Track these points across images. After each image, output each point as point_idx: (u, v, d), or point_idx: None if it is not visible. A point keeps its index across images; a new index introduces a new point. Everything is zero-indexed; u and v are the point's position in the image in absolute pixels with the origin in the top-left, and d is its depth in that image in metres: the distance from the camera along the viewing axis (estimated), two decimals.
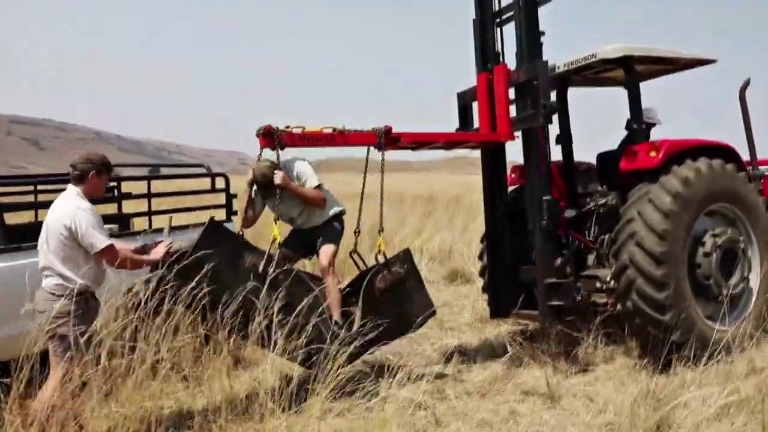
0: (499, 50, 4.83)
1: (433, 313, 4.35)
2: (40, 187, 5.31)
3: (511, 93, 4.68)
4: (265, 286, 3.53)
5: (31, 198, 5.28)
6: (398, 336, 4.17)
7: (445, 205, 14.04)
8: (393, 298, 4.10)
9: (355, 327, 3.84)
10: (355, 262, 4.22)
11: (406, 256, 4.28)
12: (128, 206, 5.21)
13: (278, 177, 3.84)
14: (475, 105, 4.90)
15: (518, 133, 4.59)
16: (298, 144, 3.85)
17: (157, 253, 3.40)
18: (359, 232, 4.17)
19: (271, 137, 3.72)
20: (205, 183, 5.39)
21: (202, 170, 5.56)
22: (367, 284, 4.05)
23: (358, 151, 4.17)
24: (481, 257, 5.55)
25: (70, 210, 3.10)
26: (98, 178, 3.25)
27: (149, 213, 4.87)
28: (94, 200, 3.36)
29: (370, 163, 4.08)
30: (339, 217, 4.21)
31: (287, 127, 3.79)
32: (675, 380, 3.75)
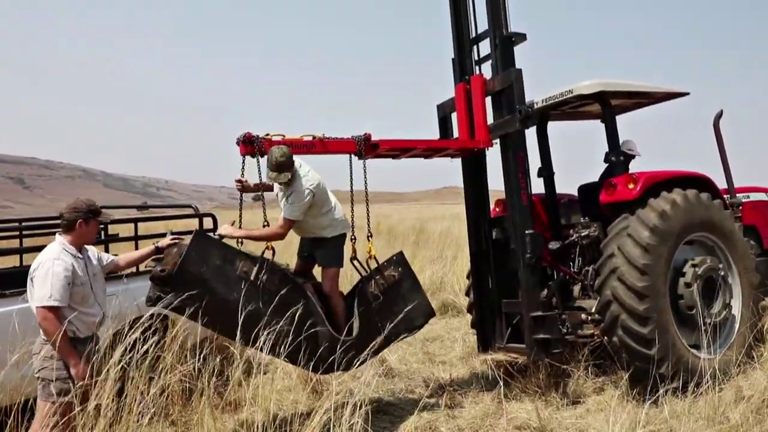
0: (476, 60, 4.94)
1: (432, 313, 4.38)
2: (25, 232, 5.26)
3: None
4: (259, 293, 3.55)
5: (16, 242, 5.23)
6: (398, 339, 4.18)
7: (437, 236, 14.06)
8: (389, 302, 4.12)
9: (355, 334, 3.90)
10: (356, 269, 4.23)
11: (399, 258, 4.29)
12: (115, 249, 5.18)
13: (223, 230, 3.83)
14: (454, 116, 4.99)
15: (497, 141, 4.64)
16: None
17: (80, 371, 3.04)
18: (355, 239, 4.18)
19: (251, 144, 3.77)
20: (193, 223, 5.40)
21: (190, 210, 5.57)
22: (361, 291, 4.09)
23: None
24: (468, 293, 5.57)
25: (43, 259, 3.08)
26: (86, 225, 3.22)
27: None
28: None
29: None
30: (342, 238, 4.21)
31: (267, 134, 3.84)
32: (665, 410, 3.76)
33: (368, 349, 3.83)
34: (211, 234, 4.00)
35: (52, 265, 3.03)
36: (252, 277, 3.60)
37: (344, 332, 3.98)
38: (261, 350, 3.53)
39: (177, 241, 3.58)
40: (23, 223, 5.38)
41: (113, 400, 3.02)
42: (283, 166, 3.76)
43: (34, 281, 3.06)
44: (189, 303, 3.35)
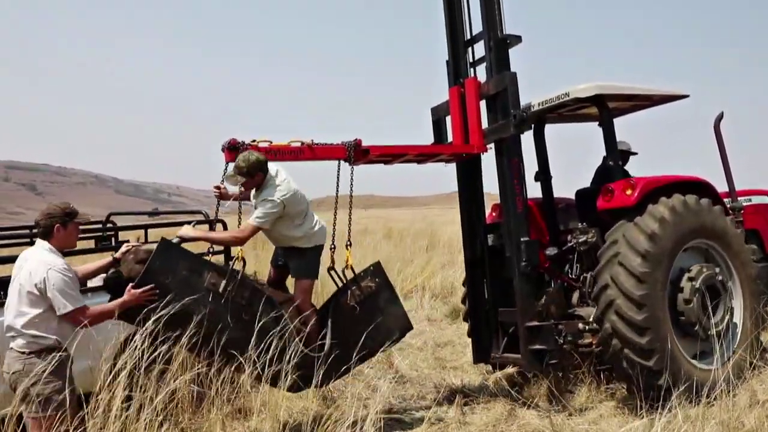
0: (470, 62, 4.83)
1: (409, 327, 4.16)
2: (36, 239, 5.28)
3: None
4: (228, 307, 3.40)
5: (26, 248, 5.24)
6: (373, 354, 4.00)
7: (448, 240, 13.98)
8: (365, 314, 3.92)
9: (326, 348, 3.75)
10: (332, 278, 4.10)
11: (376, 269, 4.11)
12: None
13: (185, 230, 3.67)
14: (448, 120, 4.88)
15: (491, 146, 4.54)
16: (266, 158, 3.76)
17: (132, 295, 3.19)
18: (335, 248, 4.05)
19: (236, 151, 3.66)
20: (203, 229, 5.39)
21: (201, 216, 5.58)
22: (336, 302, 3.97)
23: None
24: (464, 301, 5.40)
25: (41, 269, 2.96)
26: (65, 229, 3.12)
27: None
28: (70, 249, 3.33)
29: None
30: (319, 250, 4.06)
31: (253, 141, 3.73)
32: (678, 415, 3.70)
33: (341, 365, 3.71)
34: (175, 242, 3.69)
35: (58, 274, 2.96)
36: (220, 290, 3.43)
37: (317, 347, 3.78)
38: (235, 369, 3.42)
39: (132, 247, 3.45)
40: (33, 230, 5.40)
41: (120, 408, 3.01)
42: (240, 171, 3.65)
43: (44, 291, 2.94)
44: (151, 315, 3.18)
